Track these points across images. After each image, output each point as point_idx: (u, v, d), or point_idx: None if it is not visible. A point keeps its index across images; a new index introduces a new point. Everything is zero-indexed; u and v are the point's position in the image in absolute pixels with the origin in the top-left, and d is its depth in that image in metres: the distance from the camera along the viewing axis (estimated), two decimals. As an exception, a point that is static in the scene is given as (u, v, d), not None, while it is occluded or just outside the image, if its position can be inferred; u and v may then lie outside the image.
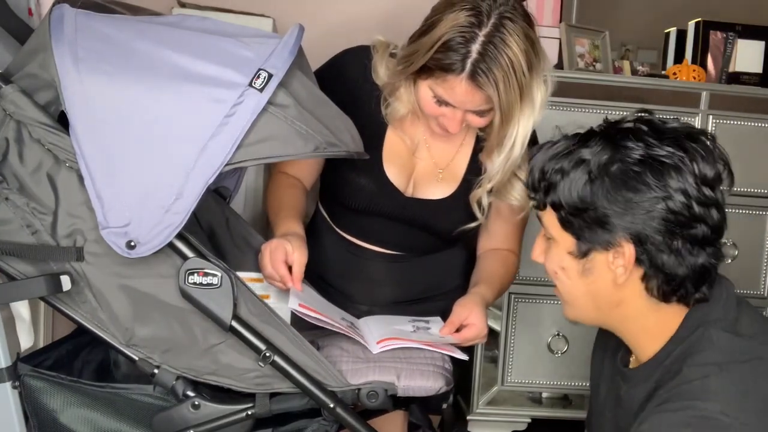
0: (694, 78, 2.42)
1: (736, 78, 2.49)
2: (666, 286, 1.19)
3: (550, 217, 1.25)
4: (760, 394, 1.13)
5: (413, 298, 1.73)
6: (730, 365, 1.14)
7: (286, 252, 1.45)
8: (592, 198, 1.18)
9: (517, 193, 1.61)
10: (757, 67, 2.52)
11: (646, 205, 1.15)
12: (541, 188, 1.24)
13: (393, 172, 1.66)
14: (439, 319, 1.63)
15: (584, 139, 1.22)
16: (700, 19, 2.58)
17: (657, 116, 1.23)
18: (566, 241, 1.24)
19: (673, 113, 2.25)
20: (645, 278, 1.20)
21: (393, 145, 1.67)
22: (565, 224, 1.23)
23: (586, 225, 1.20)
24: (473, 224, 1.67)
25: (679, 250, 1.16)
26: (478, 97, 1.48)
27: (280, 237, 1.51)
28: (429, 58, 1.47)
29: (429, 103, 1.53)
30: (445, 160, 1.69)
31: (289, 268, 1.46)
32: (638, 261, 1.18)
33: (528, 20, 1.49)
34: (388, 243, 1.71)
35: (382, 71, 1.62)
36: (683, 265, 1.17)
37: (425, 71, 1.50)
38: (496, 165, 1.57)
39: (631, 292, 1.22)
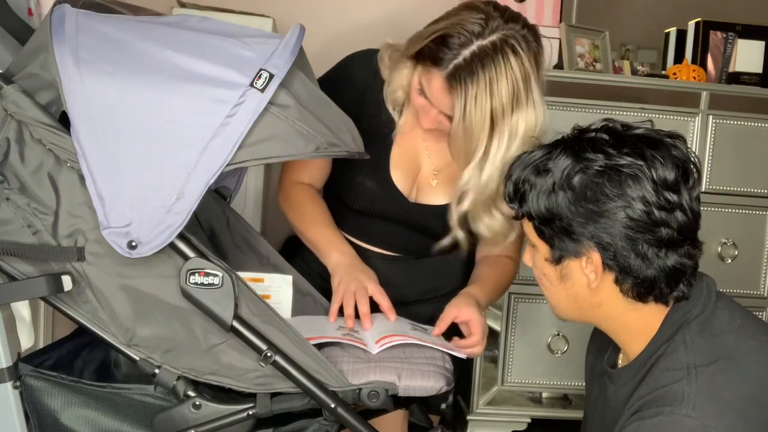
0: (694, 78, 2.43)
1: (736, 78, 2.49)
2: (638, 287, 1.23)
3: (527, 225, 1.31)
4: (728, 397, 1.16)
5: (412, 299, 1.73)
6: (698, 368, 1.18)
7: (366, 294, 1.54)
8: (557, 209, 1.22)
9: (489, 223, 1.57)
10: (757, 67, 2.52)
11: (608, 215, 1.19)
12: (516, 199, 1.29)
13: (399, 176, 1.67)
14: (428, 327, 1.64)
15: (551, 149, 1.25)
16: (700, 19, 2.59)
17: (620, 123, 1.26)
18: (543, 248, 1.29)
19: (673, 113, 2.26)
20: (617, 281, 1.24)
21: (400, 150, 1.67)
22: (539, 233, 1.28)
23: (555, 234, 1.25)
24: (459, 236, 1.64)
25: (645, 254, 1.20)
26: (447, 100, 1.47)
27: (353, 273, 1.57)
28: (425, 45, 1.47)
29: (415, 90, 1.54)
30: (440, 166, 1.69)
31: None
32: (607, 266, 1.22)
33: (536, 52, 1.46)
34: (388, 244, 1.72)
35: (387, 60, 1.62)
36: (651, 268, 1.21)
37: (419, 58, 1.50)
38: (463, 181, 1.53)
39: (608, 294, 1.26)
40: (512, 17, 1.46)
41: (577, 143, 1.24)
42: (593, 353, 1.49)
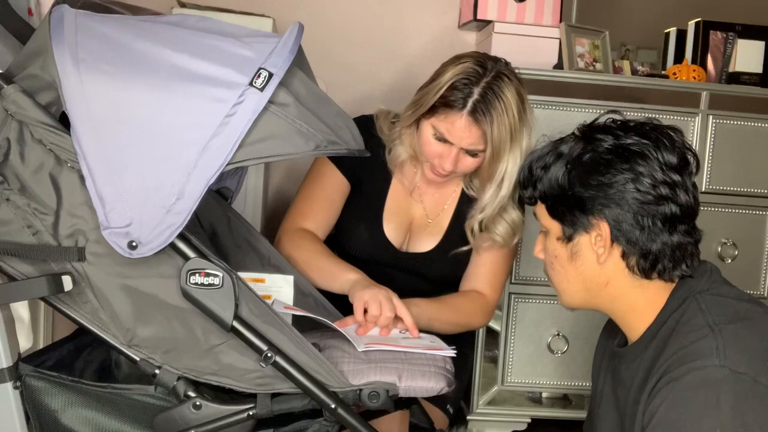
0: (694, 78, 2.43)
1: (736, 78, 2.49)
2: (643, 261, 1.30)
3: (540, 209, 1.40)
4: (753, 348, 1.20)
5: None
6: (721, 326, 1.23)
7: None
8: (570, 185, 1.31)
9: (502, 228, 1.78)
10: (757, 67, 2.52)
11: (617, 186, 1.28)
12: (530, 184, 1.39)
13: (390, 229, 1.87)
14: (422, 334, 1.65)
15: (562, 138, 1.38)
16: (700, 19, 2.59)
17: (625, 115, 1.37)
18: (555, 228, 1.37)
19: (673, 113, 2.26)
20: (624, 256, 1.31)
21: (394, 204, 1.87)
22: (552, 212, 1.37)
23: (567, 210, 1.33)
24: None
25: (649, 227, 1.28)
26: (474, 132, 1.67)
27: (377, 286, 1.62)
28: (437, 98, 1.68)
29: (429, 141, 1.72)
30: (434, 212, 1.88)
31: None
32: (614, 238, 1.30)
33: (520, 83, 1.72)
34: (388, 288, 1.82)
35: (386, 128, 1.84)
36: (656, 242, 1.28)
37: (430, 111, 1.70)
38: (486, 197, 1.75)
39: (614, 270, 1.33)
40: (495, 58, 1.74)
41: (585, 130, 1.34)
42: (604, 337, 1.55)
